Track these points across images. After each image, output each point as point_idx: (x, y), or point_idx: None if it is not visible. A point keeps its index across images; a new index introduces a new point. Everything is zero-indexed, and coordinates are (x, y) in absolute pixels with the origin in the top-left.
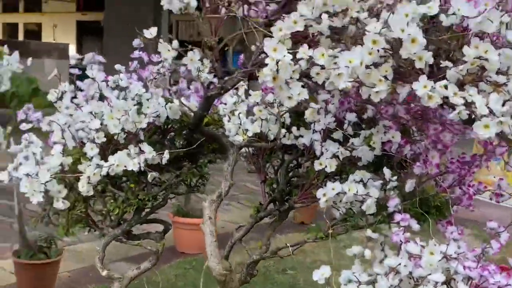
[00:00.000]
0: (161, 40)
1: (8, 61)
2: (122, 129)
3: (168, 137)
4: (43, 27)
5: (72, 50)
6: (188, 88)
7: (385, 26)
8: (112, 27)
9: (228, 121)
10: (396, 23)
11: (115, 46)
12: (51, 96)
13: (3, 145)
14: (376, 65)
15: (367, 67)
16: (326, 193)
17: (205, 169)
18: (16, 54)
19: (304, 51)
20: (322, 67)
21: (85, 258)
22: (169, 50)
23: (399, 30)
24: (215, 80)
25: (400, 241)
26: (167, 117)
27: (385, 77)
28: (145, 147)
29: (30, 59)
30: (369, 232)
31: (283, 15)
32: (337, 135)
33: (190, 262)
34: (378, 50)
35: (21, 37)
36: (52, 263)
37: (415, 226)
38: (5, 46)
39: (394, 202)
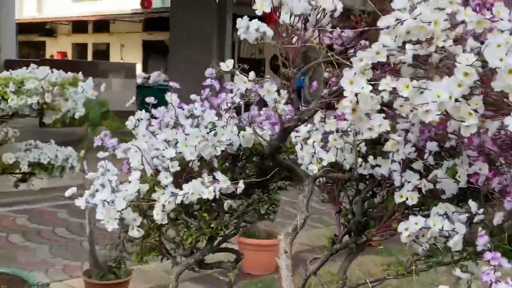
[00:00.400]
0: (237, 72)
1: (83, 88)
2: (198, 156)
3: (239, 164)
4: (111, 47)
5: (139, 68)
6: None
7: (477, 57)
8: (176, 45)
9: (301, 149)
10: (492, 53)
11: (179, 64)
12: (129, 124)
13: (77, 167)
14: (464, 97)
15: (456, 100)
16: (408, 227)
17: (276, 196)
18: (90, 80)
19: (387, 82)
20: (406, 99)
21: (153, 277)
22: (245, 82)
23: (496, 60)
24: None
25: (491, 280)
26: (240, 144)
27: (475, 110)
28: (220, 176)
29: (103, 84)
30: (457, 272)
31: (360, 42)
32: (417, 165)
33: (256, 284)
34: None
35: (90, 56)
36: (122, 283)
37: (506, 265)
38: (80, 72)
39: (483, 240)
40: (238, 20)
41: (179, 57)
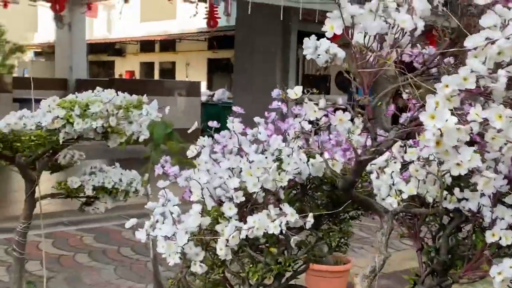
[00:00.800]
0: (306, 99)
1: (147, 111)
2: (262, 188)
3: (308, 194)
4: (177, 65)
5: (203, 86)
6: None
7: None
8: (241, 63)
9: (377, 177)
10: None
11: (244, 81)
12: (190, 153)
13: (141, 191)
14: None
15: None
16: (502, 271)
17: (348, 227)
18: (155, 103)
19: (477, 112)
20: (499, 130)
21: None
22: (315, 111)
23: None
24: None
25: None
26: (309, 173)
27: None
28: (287, 208)
29: (168, 108)
30: None
31: (443, 60)
32: (510, 199)
33: None
34: None
35: (156, 74)
36: None
37: None
38: (145, 95)
39: None
40: (305, 40)
41: (243, 75)
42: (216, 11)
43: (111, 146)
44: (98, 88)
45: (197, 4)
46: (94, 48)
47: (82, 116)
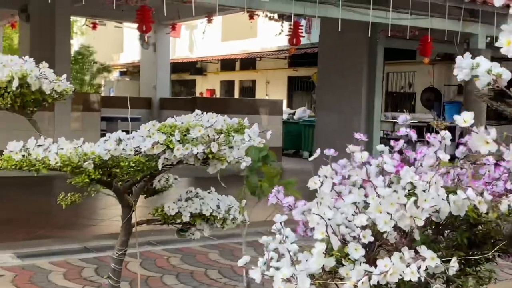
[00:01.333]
0: (479, 129)
1: (249, 136)
2: (394, 226)
3: (445, 233)
4: (257, 83)
5: (283, 104)
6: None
7: None
8: (324, 81)
9: None
10: None
11: (327, 100)
12: (313, 184)
13: (239, 219)
14: None
15: None
16: None
17: (485, 271)
18: (256, 127)
19: None
20: None
21: None
22: (487, 142)
23: None
24: None
25: None
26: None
27: None
28: (425, 251)
29: (269, 132)
30: None
31: None
32: None
33: None
34: None
35: (236, 93)
36: None
37: None
38: (246, 119)
39: None
40: (458, 59)
41: (327, 93)
42: (301, 29)
43: (210, 172)
44: (197, 111)
45: (283, 23)
46: (176, 67)
47: (182, 142)
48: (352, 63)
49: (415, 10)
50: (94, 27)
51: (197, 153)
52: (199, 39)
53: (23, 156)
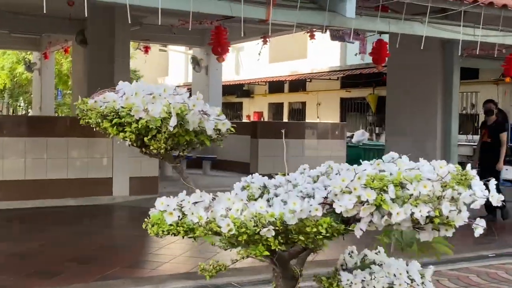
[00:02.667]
0: None
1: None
2: None
3: None
4: (307, 105)
5: None
6: None
7: None
8: (395, 103)
9: None
10: None
11: (399, 124)
12: None
13: None
14: None
15: None
16: None
17: None
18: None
19: None
20: None
21: None
22: None
23: None
24: None
25: None
26: None
27: None
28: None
29: None
30: None
31: None
32: None
33: None
34: None
35: (285, 115)
36: None
37: None
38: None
39: None
40: None
41: (398, 117)
42: (386, 48)
43: (423, 239)
44: (392, 153)
45: (363, 43)
46: (224, 90)
47: (396, 200)
48: (426, 83)
49: (502, 26)
50: (146, 51)
51: (420, 216)
52: (245, 61)
53: (179, 218)
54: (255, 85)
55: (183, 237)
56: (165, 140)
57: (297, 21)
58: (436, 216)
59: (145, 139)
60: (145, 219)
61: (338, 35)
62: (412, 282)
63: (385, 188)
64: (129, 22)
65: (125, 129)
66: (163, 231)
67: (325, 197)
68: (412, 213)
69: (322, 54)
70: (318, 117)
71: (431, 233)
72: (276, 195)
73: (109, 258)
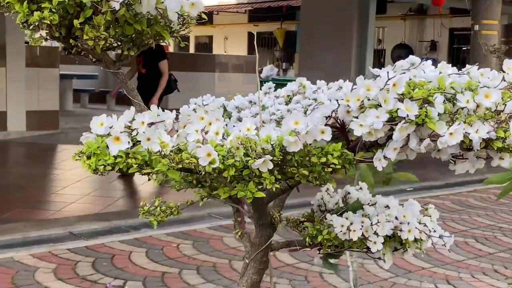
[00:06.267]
0: None
1: None
2: None
3: None
4: (214, 39)
5: None
6: None
7: None
8: (308, 37)
9: None
10: None
11: (312, 57)
12: None
13: None
14: None
15: None
16: None
17: None
18: None
19: None
20: None
21: None
22: None
23: None
24: None
25: None
26: None
27: None
28: None
29: None
30: None
31: None
32: None
33: None
34: None
35: (191, 49)
36: None
37: None
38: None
39: None
40: None
41: (311, 50)
42: None
43: (458, 172)
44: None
45: None
46: None
47: (443, 116)
48: (341, 17)
49: None
50: None
51: (477, 139)
52: None
53: (129, 144)
54: None
55: (133, 173)
56: (105, 27)
57: None
58: (497, 138)
59: (75, 22)
60: (76, 151)
61: None
62: (424, 227)
63: (430, 98)
64: None
65: (42, 6)
66: (105, 165)
67: (328, 116)
68: (467, 134)
69: None
70: (225, 52)
71: (476, 163)
72: (240, 120)
73: (4, 200)
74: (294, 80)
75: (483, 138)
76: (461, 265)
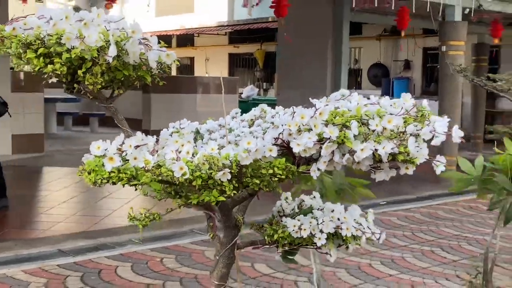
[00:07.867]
0: None
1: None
2: None
3: None
4: (196, 60)
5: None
6: None
7: None
8: (286, 56)
9: None
10: None
11: (290, 76)
12: None
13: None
14: None
15: None
16: None
17: None
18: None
19: None
20: None
21: None
22: None
23: None
24: None
25: None
26: None
27: None
28: None
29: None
30: None
31: None
32: None
33: None
34: None
35: (173, 71)
36: None
37: None
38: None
39: None
40: None
41: (289, 70)
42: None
43: (379, 179)
44: (342, 91)
45: None
46: None
47: (358, 137)
48: (317, 37)
49: None
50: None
51: (383, 153)
52: (130, 14)
53: (121, 164)
54: None
55: (123, 185)
56: (101, 74)
57: None
58: (400, 152)
59: (79, 72)
60: (80, 166)
61: None
62: (359, 225)
63: (347, 124)
64: None
65: (54, 61)
66: (102, 178)
67: (276, 137)
68: (376, 150)
69: (209, 8)
70: (206, 73)
71: (389, 172)
72: (213, 140)
73: None
74: (274, 100)
75: (389, 153)
76: (426, 271)
